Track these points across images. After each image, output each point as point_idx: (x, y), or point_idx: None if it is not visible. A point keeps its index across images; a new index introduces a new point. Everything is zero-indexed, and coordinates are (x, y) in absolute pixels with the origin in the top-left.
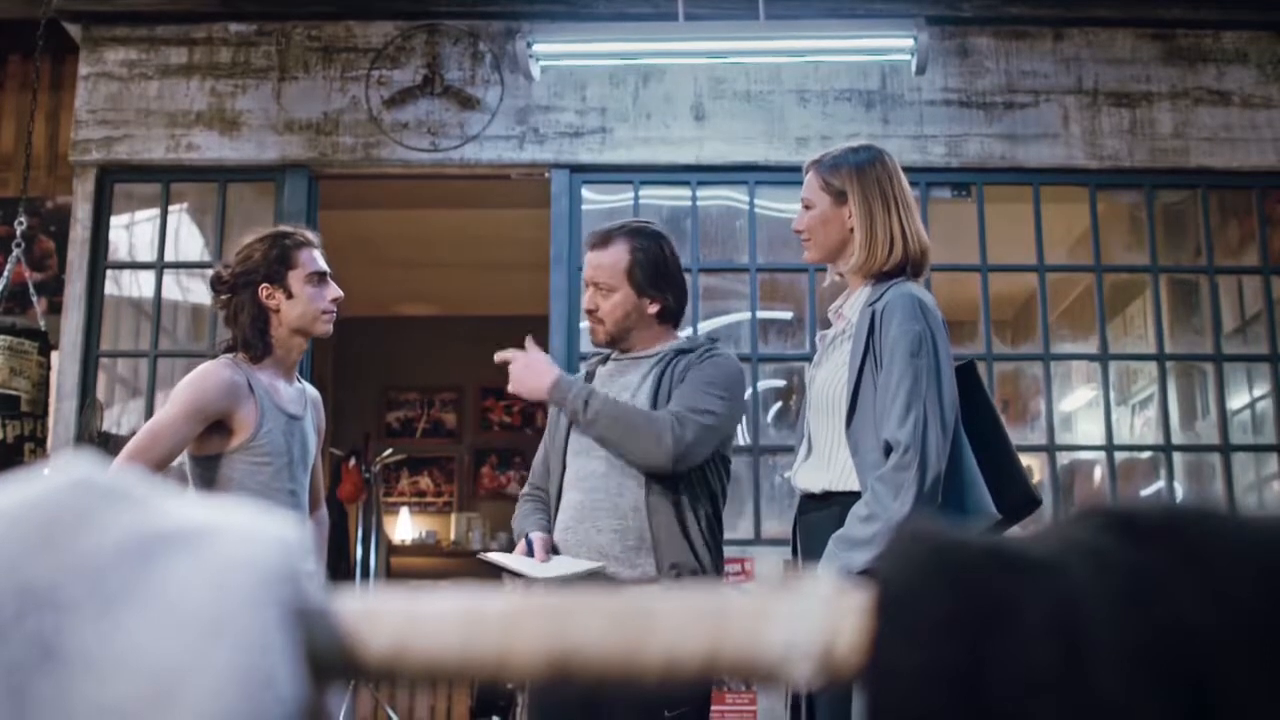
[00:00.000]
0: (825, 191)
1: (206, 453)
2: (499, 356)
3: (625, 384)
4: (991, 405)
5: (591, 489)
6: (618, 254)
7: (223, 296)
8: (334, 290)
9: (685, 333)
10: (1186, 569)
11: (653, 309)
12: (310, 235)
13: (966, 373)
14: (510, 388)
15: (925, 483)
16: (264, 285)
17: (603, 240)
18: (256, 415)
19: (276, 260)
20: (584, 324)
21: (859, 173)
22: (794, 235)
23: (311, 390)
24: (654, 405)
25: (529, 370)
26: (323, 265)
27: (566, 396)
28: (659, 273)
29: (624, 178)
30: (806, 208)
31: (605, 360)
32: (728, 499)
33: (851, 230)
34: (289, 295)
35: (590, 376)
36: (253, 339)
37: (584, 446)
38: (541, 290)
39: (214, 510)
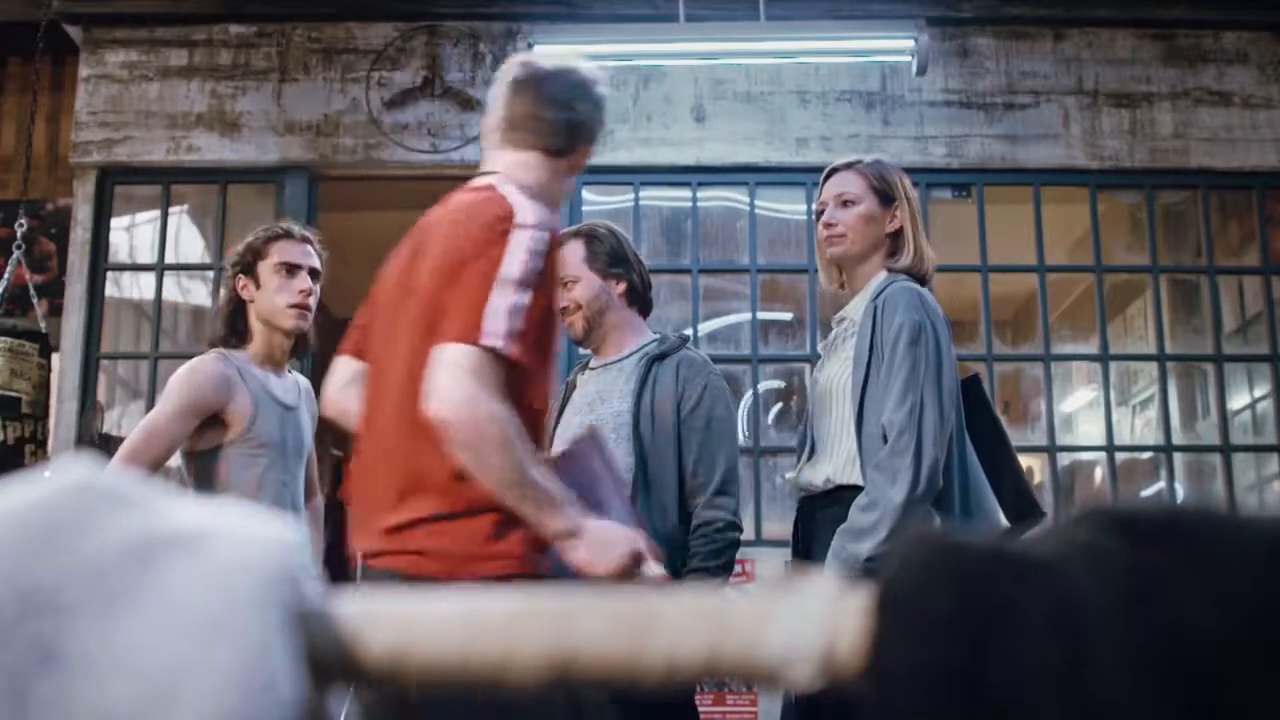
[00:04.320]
0: (873, 191)
1: (201, 447)
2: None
3: (602, 391)
4: (997, 420)
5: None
6: (574, 249)
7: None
8: (303, 283)
9: (689, 328)
10: (1187, 570)
11: (619, 288)
12: (292, 229)
13: (971, 387)
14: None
15: (921, 468)
16: (239, 275)
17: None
18: (250, 406)
19: (249, 250)
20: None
21: (903, 181)
22: (795, 236)
23: (304, 381)
24: (635, 413)
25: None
26: (293, 258)
27: None
28: (615, 255)
29: (624, 179)
30: (845, 204)
31: (584, 368)
32: None
33: (891, 233)
34: (258, 285)
35: (571, 386)
36: (225, 329)
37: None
38: None
39: (214, 513)
